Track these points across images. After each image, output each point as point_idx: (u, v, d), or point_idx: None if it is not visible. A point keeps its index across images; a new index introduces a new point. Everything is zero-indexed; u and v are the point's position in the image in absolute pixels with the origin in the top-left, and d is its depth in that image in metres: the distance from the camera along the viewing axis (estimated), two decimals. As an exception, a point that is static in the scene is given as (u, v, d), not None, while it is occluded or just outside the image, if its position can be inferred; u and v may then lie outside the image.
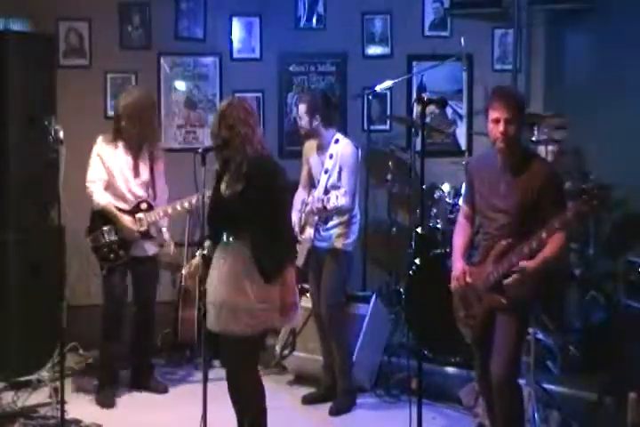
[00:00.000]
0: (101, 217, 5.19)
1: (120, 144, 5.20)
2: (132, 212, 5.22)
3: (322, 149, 5.11)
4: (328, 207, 4.71)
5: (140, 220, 5.21)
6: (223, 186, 4.14)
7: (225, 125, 4.05)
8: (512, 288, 3.95)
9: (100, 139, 5.23)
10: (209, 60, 6.50)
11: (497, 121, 3.97)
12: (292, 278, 4.14)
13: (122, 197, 5.23)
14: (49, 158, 4.56)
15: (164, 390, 5.38)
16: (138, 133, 5.16)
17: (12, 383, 5.31)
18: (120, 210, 5.19)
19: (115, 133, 5.19)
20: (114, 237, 5.17)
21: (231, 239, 4.12)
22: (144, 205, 5.25)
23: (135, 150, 5.23)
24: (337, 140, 5.06)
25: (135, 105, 5.12)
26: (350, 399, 5.21)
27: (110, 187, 5.22)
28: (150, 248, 5.33)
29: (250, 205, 4.02)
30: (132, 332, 5.43)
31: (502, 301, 4.03)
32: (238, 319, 4.02)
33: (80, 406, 5.04)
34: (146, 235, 5.26)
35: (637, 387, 4.46)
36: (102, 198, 5.18)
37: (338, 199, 4.68)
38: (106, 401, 5.18)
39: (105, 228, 5.17)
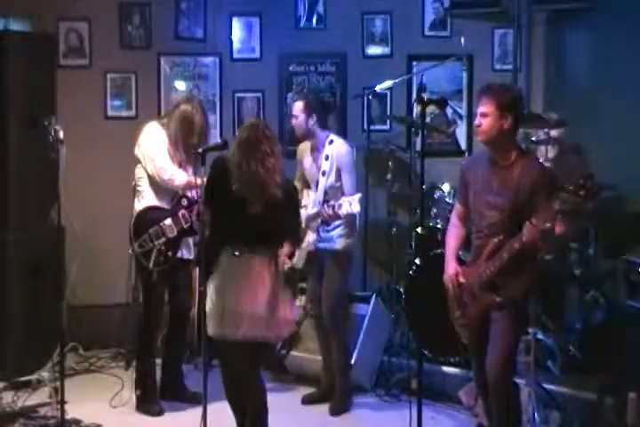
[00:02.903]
0: (145, 221, 4.99)
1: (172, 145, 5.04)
2: (173, 211, 5.02)
3: (316, 150, 5.10)
4: (341, 214, 4.51)
5: (183, 216, 5.01)
6: (254, 208, 4.08)
7: (255, 159, 4.06)
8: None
9: (158, 130, 5.03)
10: (209, 60, 6.50)
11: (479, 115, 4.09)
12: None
13: (164, 193, 5.04)
14: (49, 158, 4.56)
15: (198, 401, 4.61)
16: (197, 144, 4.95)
17: (12, 383, 5.31)
18: (160, 209, 5.01)
19: (178, 140, 4.99)
20: (162, 239, 4.97)
21: (254, 253, 4.10)
22: (184, 201, 5.05)
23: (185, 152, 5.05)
24: (331, 141, 5.05)
25: (203, 126, 5.02)
26: (348, 399, 5.22)
27: (154, 183, 5.03)
28: (190, 251, 5.21)
29: (281, 221, 4.08)
30: (164, 337, 5.28)
31: (496, 299, 4.05)
32: (272, 327, 4.08)
33: (80, 406, 5.03)
34: (191, 231, 5.05)
35: (637, 387, 4.46)
36: (182, 177, 4.99)
37: (352, 206, 4.45)
38: (154, 409, 5.09)
39: (151, 230, 4.97)
